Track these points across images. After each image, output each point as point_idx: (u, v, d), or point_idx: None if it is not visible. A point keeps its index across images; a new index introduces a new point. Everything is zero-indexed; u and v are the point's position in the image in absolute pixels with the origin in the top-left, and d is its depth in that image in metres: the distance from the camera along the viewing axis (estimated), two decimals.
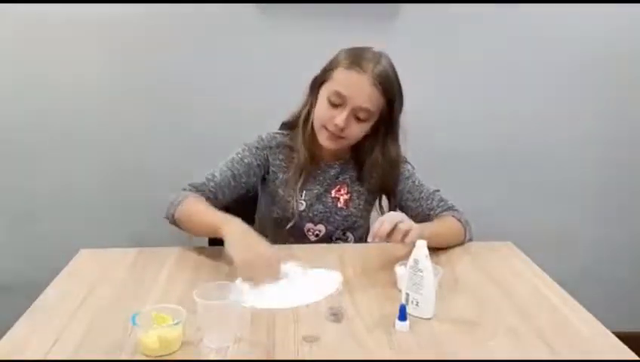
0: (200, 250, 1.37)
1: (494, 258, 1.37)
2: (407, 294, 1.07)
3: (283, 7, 1.92)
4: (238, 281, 1.13)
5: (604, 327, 1.05)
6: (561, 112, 2.12)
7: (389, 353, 0.95)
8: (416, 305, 1.06)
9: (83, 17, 1.91)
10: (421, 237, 1.12)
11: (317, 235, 1.50)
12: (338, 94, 1.34)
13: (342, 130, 1.36)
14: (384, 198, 1.55)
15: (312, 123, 1.42)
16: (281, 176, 1.47)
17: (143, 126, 2.04)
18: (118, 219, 2.09)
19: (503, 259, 1.37)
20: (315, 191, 1.48)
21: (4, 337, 0.99)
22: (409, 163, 1.51)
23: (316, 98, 1.41)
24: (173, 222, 1.37)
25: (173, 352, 0.94)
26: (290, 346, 0.96)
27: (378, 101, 1.36)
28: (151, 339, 0.92)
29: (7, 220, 2.09)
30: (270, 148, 1.48)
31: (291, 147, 1.47)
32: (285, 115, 1.51)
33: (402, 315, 1.02)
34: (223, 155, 1.46)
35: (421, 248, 1.06)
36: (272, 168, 1.48)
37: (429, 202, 1.45)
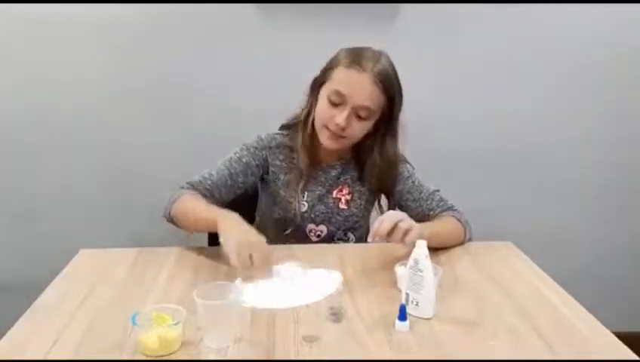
0: (200, 250, 1.37)
1: (494, 258, 1.37)
2: (407, 294, 1.07)
3: (283, 7, 1.92)
4: (238, 281, 1.12)
5: (604, 327, 1.05)
6: (561, 112, 2.12)
7: (388, 353, 0.95)
8: (416, 305, 1.06)
9: (83, 17, 1.91)
10: (421, 237, 1.12)
11: (319, 236, 1.50)
12: (338, 93, 1.34)
13: (343, 129, 1.36)
14: (384, 198, 1.55)
15: (313, 124, 1.42)
16: (282, 177, 1.47)
17: (143, 126, 2.04)
18: (118, 219, 2.09)
19: (503, 259, 1.37)
20: (317, 192, 1.48)
21: (4, 337, 0.99)
22: (409, 163, 1.51)
23: (316, 98, 1.41)
24: (170, 219, 1.38)
25: (173, 352, 0.94)
26: (290, 346, 0.96)
27: (379, 99, 1.36)
28: (151, 339, 0.92)
29: (7, 220, 2.09)
30: (269, 148, 1.48)
31: (291, 147, 1.47)
32: (285, 115, 1.51)
33: (402, 315, 1.02)
34: (223, 155, 1.46)
35: (421, 248, 1.06)
36: (271, 169, 1.48)
37: (428, 202, 1.45)
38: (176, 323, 0.94)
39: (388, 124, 1.43)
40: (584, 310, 1.11)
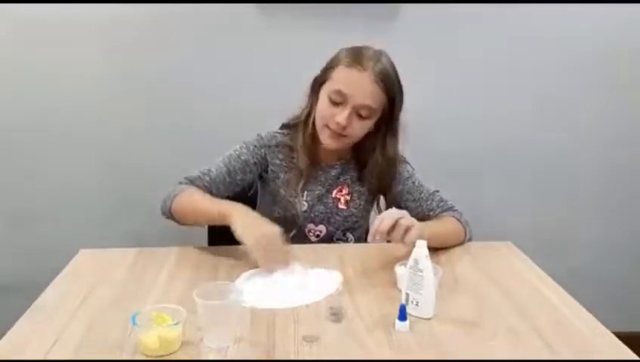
0: (200, 250, 1.37)
1: (494, 258, 1.37)
2: (407, 294, 1.07)
3: (283, 7, 1.92)
4: (238, 281, 1.13)
5: (604, 327, 1.05)
6: (560, 112, 2.12)
7: (388, 353, 0.95)
8: (416, 305, 1.06)
9: (83, 17, 1.91)
10: (421, 236, 1.12)
11: (318, 236, 1.50)
12: (339, 93, 1.34)
13: (344, 128, 1.36)
14: (382, 198, 1.55)
15: (313, 123, 1.42)
16: (282, 176, 1.47)
17: (143, 126, 2.04)
18: (118, 219, 2.09)
19: (503, 259, 1.37)
20: (317, 191, 1.48)
21: (4, 337, 0.99)
22: (409, 163, 1.51)
23: (317, 98, 1.41)
24: (170, 215, 1.38)
25: (173, 352, 0.94)
26: (290, 346, 0.96)
27: (380, 98, 1.36)
28: (151, 339, 0.92)
29: (7, 220, 2.09)
30: (269, 147, 1.48)
31: (291, 147, 1.47)
32: (285, 115, 1.51)
33: (402, 315, 1.02)
34: (223, 155, 1.46)
35: (421, 248, 1.06)
36: (271, 167, 1.48)
37: (428, 203, 1.45)
38: (176, 323, 0.94)
39: (388, 124, 1.43)
40: (584, 310, 1.11)
